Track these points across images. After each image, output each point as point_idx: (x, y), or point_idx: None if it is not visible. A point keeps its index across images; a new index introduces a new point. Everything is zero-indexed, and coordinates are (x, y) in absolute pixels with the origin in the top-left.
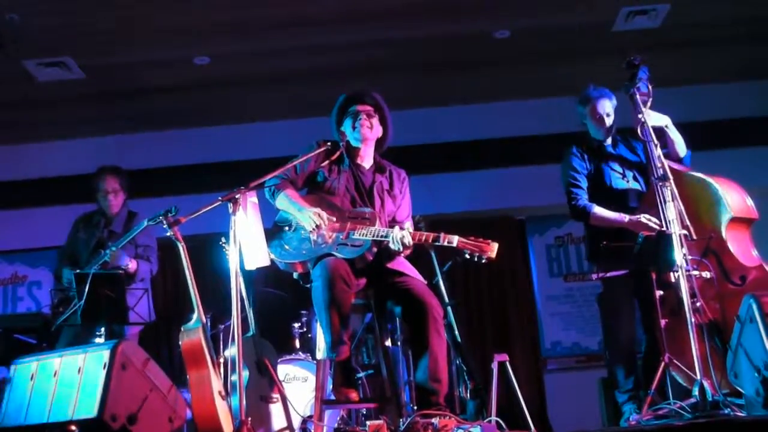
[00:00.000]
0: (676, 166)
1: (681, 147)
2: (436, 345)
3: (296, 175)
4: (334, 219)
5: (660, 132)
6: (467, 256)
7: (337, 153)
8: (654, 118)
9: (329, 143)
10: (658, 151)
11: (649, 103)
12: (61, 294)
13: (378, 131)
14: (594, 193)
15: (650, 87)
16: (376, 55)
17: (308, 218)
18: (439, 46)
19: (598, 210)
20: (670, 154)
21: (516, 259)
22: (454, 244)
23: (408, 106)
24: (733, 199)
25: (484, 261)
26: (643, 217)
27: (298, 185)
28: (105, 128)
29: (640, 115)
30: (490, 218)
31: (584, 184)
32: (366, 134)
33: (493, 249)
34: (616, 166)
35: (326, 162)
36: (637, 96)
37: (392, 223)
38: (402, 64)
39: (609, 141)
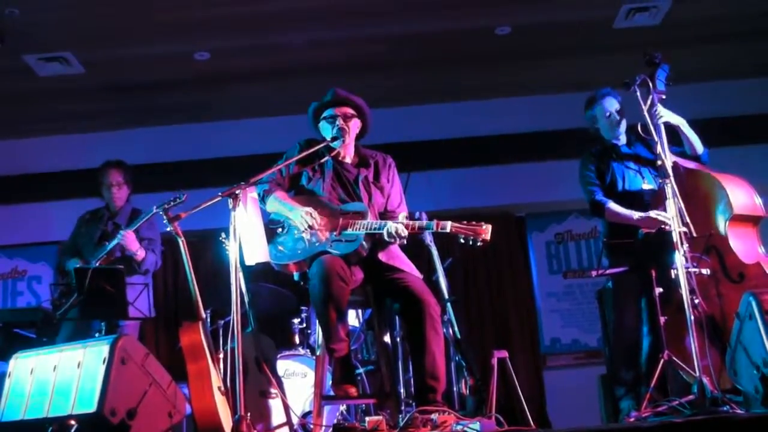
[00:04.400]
0: (689, 164)
1: (697, 145)
2: (433, 343)
3: (282, 178)
4: (326, 217)
5: (675, 131)
6: (462, 241)
7: (318, 154)
8: (669, 117)
9: (312, 143)
10: (659, 149)
11: (656, 102)
12: (63, 287)
13: (356, 129)
14: (613, 193)
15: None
16: (376, 50)
17: (300, 218)
18: (440, 42)
19: (612, 206)
20: (686, 152)
21: (516, 256)
22: (448, 230)
23: (407, 102)
24: (737, 197)
25: (479, 244)
26: (653, 213)
27: (286, 187)
28: (105, 123)
29: (655, 112)
30: (489, 215)
31: (600, 182)
32: (346, 138)
33: (486, 231)
34: (632, 165)
35: (309, 164)
36: (640, 90)
37: (385, 214)
38: (402, 60)
39: (623, 140)
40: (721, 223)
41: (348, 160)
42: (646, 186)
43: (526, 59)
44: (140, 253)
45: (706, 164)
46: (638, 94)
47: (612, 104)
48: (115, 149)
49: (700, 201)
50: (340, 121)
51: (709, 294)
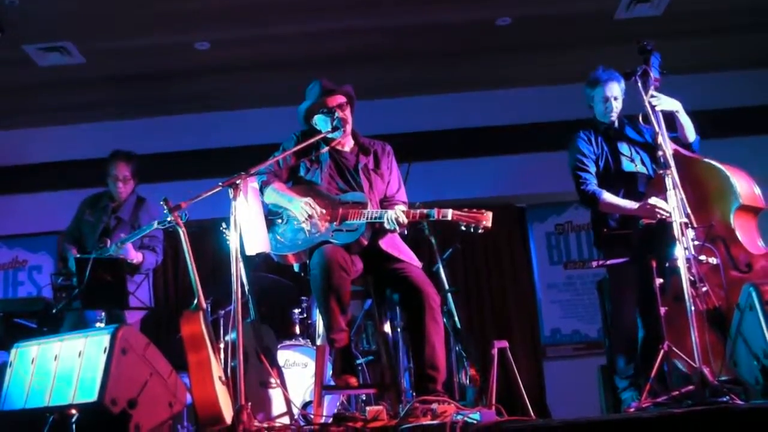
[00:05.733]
0: (688, 152)
1: (690, 132)
2: (433, 333)
3: (280, 169)
4: (325, 207)
5: (670, 117)
6: (463, 228)
7: (315, 145)
8: (665, 103)
9: (308, 134)
10: (659, 139)
11: (651, 89)
12: (64, 278)
13: (351, 116)
14: (603, 176)
15: (660, 73)
16: (376, 42)
17: (300, 208)
18: (440, 34)
19: (608, 196)
20: (678, 138)
21: (516, 247)
22: (449, 218)
23: (408, 93)
24: (742, 187)
25: (480, 231)
26: (654, 200)
27: (284, 178)
28: (105, 113)
29: (652, 100)
30: (490, 205)
31: (592, 168)
32: (347, 128)
33: (488, 218)
34: (625, 149)
35: (306, 155)
36: (641, 81)
37: (384, 200)
38: (403, 51)
39: (616, 125)
40: (728, 213)
41: (347, 148)
42: (638, 170)
43: (526, 50)
44: (137, 259)
45: (696, 152)
46: (639, 84)
47: (613, 90)
48: (115, 139)
49: (699, 190)
50: (339, 113)
51: (714, 284)
